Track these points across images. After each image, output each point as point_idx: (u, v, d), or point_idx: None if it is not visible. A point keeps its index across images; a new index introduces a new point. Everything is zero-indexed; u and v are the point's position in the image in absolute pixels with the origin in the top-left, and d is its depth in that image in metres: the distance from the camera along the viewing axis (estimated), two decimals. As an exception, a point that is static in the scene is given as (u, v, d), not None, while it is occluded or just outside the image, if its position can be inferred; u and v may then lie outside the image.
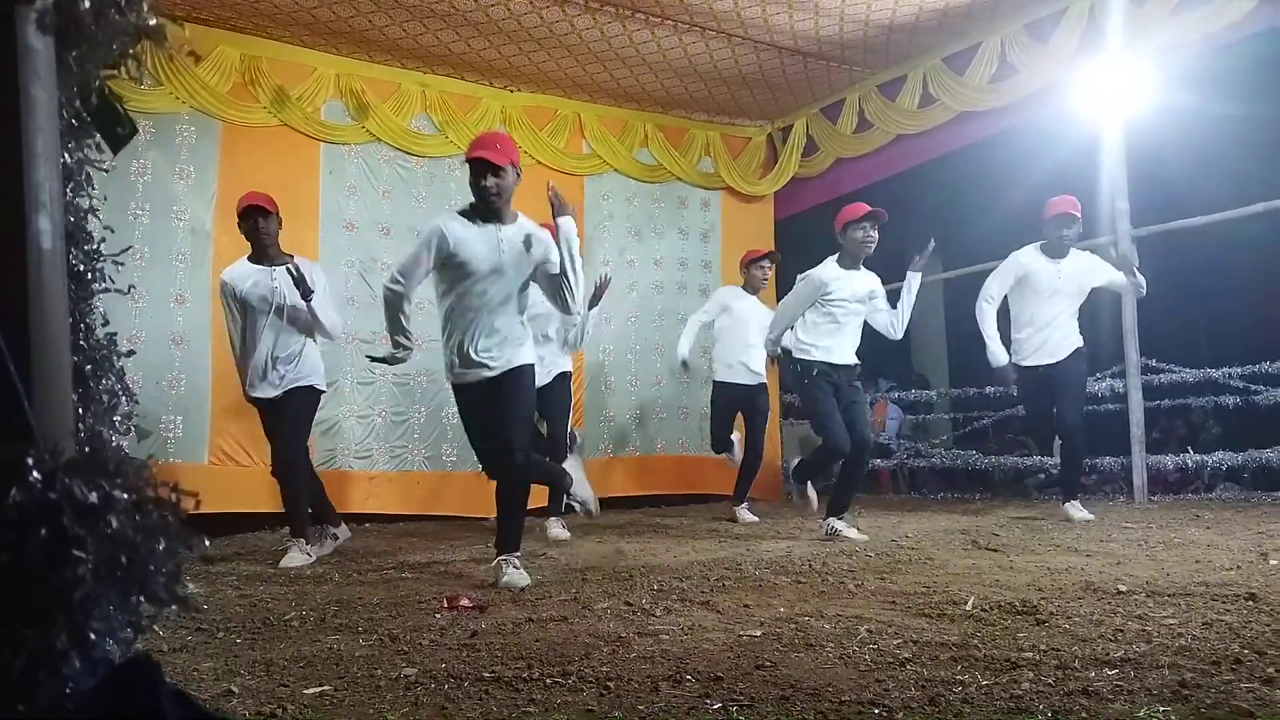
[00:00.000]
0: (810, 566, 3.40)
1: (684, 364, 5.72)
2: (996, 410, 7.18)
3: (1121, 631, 2.15)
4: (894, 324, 4.59)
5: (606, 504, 6.63)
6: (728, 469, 5.94)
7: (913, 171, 6.84)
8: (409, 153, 6.13)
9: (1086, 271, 4.88)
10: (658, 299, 7.06)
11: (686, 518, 5.85)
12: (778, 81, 6.69)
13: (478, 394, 3.35)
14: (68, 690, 0.76)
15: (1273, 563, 3.09)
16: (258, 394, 4.10)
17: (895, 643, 2.11)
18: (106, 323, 1.16)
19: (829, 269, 4.45)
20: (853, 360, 4.49)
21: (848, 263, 4.43)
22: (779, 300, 5.23)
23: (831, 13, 5.63)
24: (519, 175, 3.35)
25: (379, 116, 5.98)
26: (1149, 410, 5.71)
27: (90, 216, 1.13)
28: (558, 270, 3.36)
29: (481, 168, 3.26)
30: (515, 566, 3.26)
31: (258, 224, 4.09)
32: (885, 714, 1.59)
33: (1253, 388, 5.37)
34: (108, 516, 0.78)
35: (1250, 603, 2.42)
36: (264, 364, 4.06)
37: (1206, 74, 5.58)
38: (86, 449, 0.85)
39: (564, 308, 3.48)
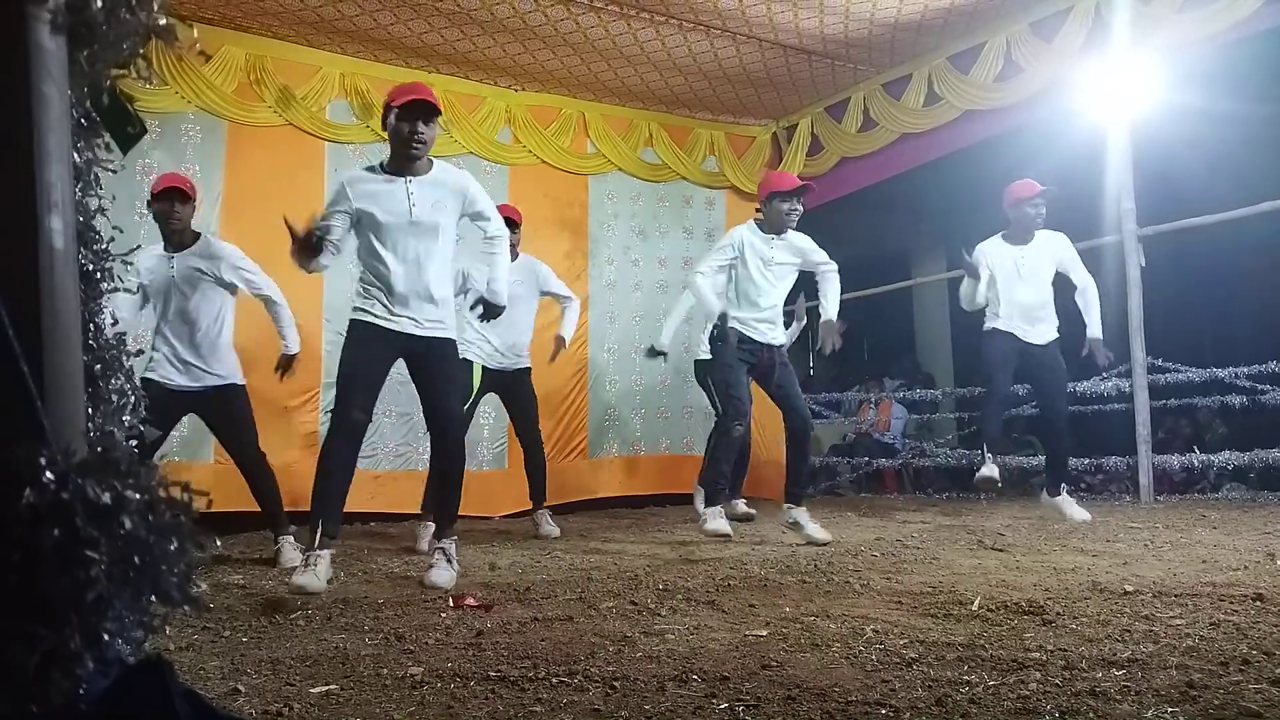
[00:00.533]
0: (815, 566, 3.40)
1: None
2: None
3: (1129, 632, 2.14)
4: None
5: (608, 503, 6.69)
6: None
7: (918, 170, 6.83)
8: (413, 152, 6.13)
9: (1049, 254, 4.91)
10: (662, 298, 7.05)
11: (689, 517, 5.83)
12: (782, 80, 6.68)
13: (388, 345, 3.16)
14: (81, 690, 0.76)
15: (1279, 563, 3.08)
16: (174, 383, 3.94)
17: (901, 643, 2.11)
18: (115, 322, 1.16)
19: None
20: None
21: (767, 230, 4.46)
22: None
23: (836, 11, 5.62)
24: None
25: (383, 116, 5.99)
26: (1155, 410, 5.68)
27: (99, 216, 1.13)
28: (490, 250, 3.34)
29: (420, 109, 3.01)
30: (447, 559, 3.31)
31: (174, 207, 3.82)
32: (892, 714, 1.59)
33: (1259, 387, 5.34)
34: (120, 517, 0.78)
35: (1258, 603, 2.41)
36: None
37: (1213, 72, 5.55)
38: (98, 449, 0.85)
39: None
